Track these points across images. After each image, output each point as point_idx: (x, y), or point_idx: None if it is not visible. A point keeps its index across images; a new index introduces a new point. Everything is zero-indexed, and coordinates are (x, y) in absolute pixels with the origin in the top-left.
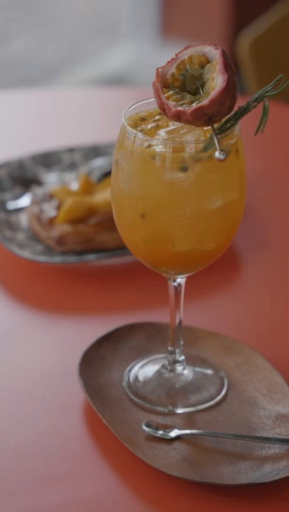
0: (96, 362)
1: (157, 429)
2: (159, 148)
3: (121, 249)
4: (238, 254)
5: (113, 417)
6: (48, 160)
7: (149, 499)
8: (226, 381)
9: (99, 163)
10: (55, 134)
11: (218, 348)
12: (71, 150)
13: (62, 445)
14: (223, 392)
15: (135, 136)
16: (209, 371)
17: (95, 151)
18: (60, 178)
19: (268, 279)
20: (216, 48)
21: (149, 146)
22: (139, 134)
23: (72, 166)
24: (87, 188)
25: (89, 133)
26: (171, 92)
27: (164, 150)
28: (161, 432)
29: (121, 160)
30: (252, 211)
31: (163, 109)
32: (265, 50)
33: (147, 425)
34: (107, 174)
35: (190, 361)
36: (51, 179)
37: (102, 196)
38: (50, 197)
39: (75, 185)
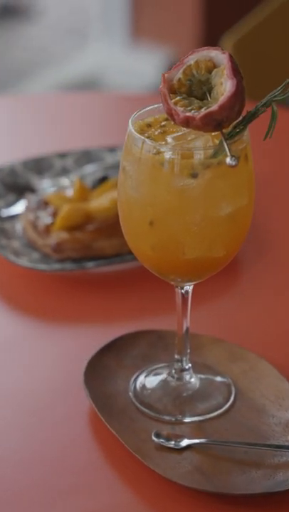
0: (100, 371)
1: (168, 439)
2: (168, 154)
3: (119, 255)
4: (241, 260)
5: (121, 426)
6: (39, 166)
7: (161, 510)
8: (233, 389)
9: (91, 168)
10: (40, 140)
11: (223, 355)
12: (63, 155)
13: (70, 457)
14: (231, 400)
15: (143, 143)
16: (216, 379)
17: (87, 156)
18: (54, 184)
19: (271, 284)
20: (223, 53)
21: (158, 152)
22: (148, 141)
23: (64, 172)
24: (83, 194)
25: (78, 138)
26: (178, 97)
27: (173, 156)
28: (173, 442)
29: (129, 167)
30: (256, 216)
31: (171, 115)
32: (249, 52)
33: (157, 435)
34: (101, 180)
35: (196, 369)
36: (44, 185)
37: (98, 202)
38: (45, 204)
39: (69, 192)
